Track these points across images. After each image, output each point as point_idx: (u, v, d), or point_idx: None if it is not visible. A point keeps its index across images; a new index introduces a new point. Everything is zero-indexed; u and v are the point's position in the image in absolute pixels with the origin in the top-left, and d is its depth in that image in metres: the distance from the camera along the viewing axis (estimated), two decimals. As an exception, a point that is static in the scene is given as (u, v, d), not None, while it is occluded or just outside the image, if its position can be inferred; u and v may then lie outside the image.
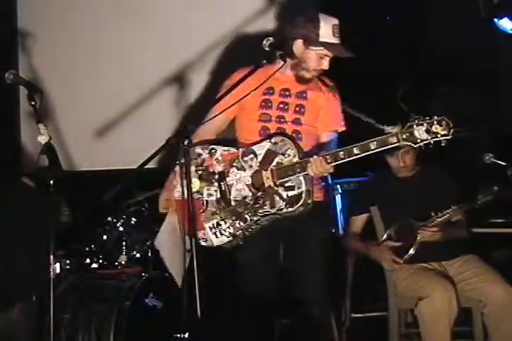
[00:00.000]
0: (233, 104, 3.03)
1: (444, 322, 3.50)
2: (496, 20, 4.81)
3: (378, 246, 3.78)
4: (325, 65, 3.14)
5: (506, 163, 3.82)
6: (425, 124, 2.69)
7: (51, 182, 2.78)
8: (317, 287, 3.15)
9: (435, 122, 2.68)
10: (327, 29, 3.10)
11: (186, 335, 3.44)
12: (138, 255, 4.05)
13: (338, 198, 4.53)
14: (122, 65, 4.83)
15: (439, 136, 2.67)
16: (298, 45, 3.13)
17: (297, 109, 3.18)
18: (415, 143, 2.73)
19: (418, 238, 3.65)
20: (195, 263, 2.55)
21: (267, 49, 3.02)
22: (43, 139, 2.81)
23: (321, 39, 3.09)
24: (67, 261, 3.92)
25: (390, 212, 3.82)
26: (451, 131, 2.66)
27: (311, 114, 3.20)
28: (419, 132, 2.70)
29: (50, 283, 2.78)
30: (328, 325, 3.61)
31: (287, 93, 3.19)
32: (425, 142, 2.71)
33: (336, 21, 3.14)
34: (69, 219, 4.01)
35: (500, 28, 4.82)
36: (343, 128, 3.28)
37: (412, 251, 3.67)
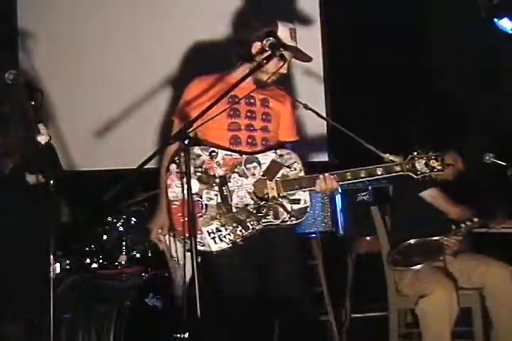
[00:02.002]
0: (203, 123, 2.86)
1: (444, 321, 3.51)
2: (495, 20, 4.81)
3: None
4: (284, 68, 3.12)
5: (506, 163, 3.83)
6: (424, 158, 3.02)
7: (51, 182, 2.78)
8: (295, 287, 3.14)
9: (432, 157, 3.02)
10: (285, 32, 3.13)
11: (186, 335, 3.45)
12: (138, 255, 4.05)
13: (338, 198, 4.53)
14: (122, 64, 4.83)
15: (435, 170, 3.02)
16: (257, 48, 3.13)
17: (264, 116, 3.20)
18: (416, 174, 3.03)
19: (446, 248, 3.71)
20: (194, 263, 2.55)
21: (266, 49, 3.02)
22: (43, 139, 2.81)
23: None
24: (67, 261, 3.92)
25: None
26: (445, 167, 3.03)
27: (275, 121, 3.24)
28: (420, 165, 3.02)
29: (50, 284, 2.78)
30: (317, 323, 3.61)
31: (252, 101, 3.19)
32: (423, 175, 3.02)
33: (292, 26, 3.18)
34: (69, 219, 4.02)
35: (500, 28, 4.82)
36: (296, 139, 3.34)
37: (418, 267, 3.70)
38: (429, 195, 3.86)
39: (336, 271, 4.45)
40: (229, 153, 3.09)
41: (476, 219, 3.68)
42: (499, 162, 3.85)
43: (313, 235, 4.36)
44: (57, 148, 3.48)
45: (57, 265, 3.78)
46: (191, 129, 2.72)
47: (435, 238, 3.71)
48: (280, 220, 3.03)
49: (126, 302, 3.56)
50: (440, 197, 3.86)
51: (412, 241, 3.75)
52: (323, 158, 4.69)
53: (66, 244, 3.84)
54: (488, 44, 4.98)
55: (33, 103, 2.86)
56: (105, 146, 4.72)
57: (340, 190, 4.42)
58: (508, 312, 3.60)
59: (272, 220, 3.03)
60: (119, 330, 3.48)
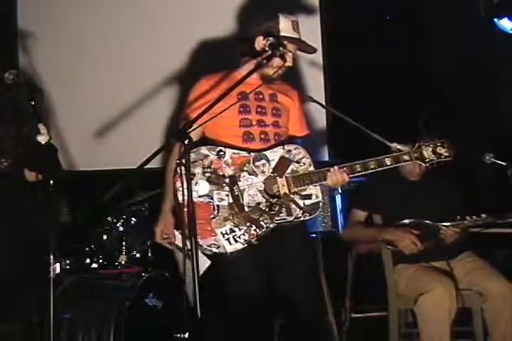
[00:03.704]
0: (211, 118, 2.86)
1: (443, 317, 3.50)
2: (495, 20, 4.81)
3: (398, 228, 3.76)
4: (288, 60, 3.11)
5: (506, 163, 3.83)
6: (431, 145, 3.07)
7: (51, 182, 2.78)
8: (306, 286, 3.12)
9: (439, 144, 3.06)
10: (287, 24, 3.13)
11: (186, 335, 3.45)
12: (138, 255, 4.05)
13: (338, 198, 4.52)
14: (122, 64, 4.83)
15: (442, 156, 3.07)
16: (260, 42, 3.12)
17: (274, 111, 3.19)
18: (424, 162, 3.07)
19: (440, 236, 3.70)
20: (194, 263, 2.54)
21: (266, 49, 3.02)
22: (43, 139, 2.81)
23: (282, 33, 3.11)
24: (67, 261, 3.92)
25: (397, 213, 3.82)
26: (452, 153, 3.05)
27: (285, 116, 3.23)
28: (427, 152, 3.07)
29: (50, 284, 2.78)
30: (322, 324, 3.60)
31: (261, 96, 3.18)
32: (432, 162, 3.07)
33: (295, 18, 3.17)
34: (69, 219, 4.02)
35: (500, 28, 4.83)
36: (307, 133, 3.35)
37: (428, 243, 3.70)
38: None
39: (336, 271, 4.43)
40: (236, 151, 3.07)
41: (483, 215, 3.68)
42: (499, 162, 3.85)
43: (313, 235, 4.35)
44: (57, 148, 3.48)
45: (57, 265, 3.78)
46: (192, 129, 2.71)
47: (435, 224, 3.71)
48: (293, 217, 3.02)
49: (126, 302, 3.56)
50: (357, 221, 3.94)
51: (406, 221, 3.76)
52: (324, 157, 4.70)
53: (66, 244, 3.84)
54: (488, 44, 4.98)
55: (33, 103, 2.85)
56: (105, 146, 4.72)
57: (340, 190, 4.45)
58: (504, 330, 3.57)
59: (285, 217, 3.01)
60: (119, 330, 3.48)
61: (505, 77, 5.05)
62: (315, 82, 4.71)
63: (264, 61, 2.99)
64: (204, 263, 3.11)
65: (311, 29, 4.72)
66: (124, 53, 4.83)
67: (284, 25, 3.12)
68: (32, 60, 4.76)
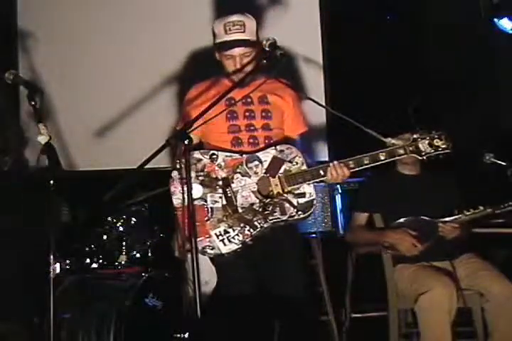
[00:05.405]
0: (201, 124, 2.88)
1: (443, 317, 3.49)
2: (496, 20, 4.82)
3: (397, 230, 3.73)
4: (234, 64, 3.11)
5: (506, 163, 3.83)
6: (428, 138, 3.01)
7: (51, 182, 2.78)
8: (295, 286, 3.13)
9: (436, 136, 3.01)
10: (219, 30, 3.13)
11: (186, 335, 3.45)
12: (138, 255, 4.05)
13: (338, 198, 4.53)
14: (122, 64, 4.83)
15: (439, 149, 3.02)
16: (215, 51, 3.18)
17: (263, 114, 3.19)
18: (420, 156, 3.03)
19: (439, 233, 3.67)
20: (194, 263, 2.54)
21: (267, 49, 3.01)
22: (42, 139, 2.81)
23: (216, 41, 3.14)
24: (67, 261, 3.91)
25: (397, 209, 3.82)
26: (450, 145, 3.00)
27: (277, 117, 3.23)
28: (423, 145, 3.02)
29: (50, 284, 2.78)
30: (320, 323, 3.61)
31: (249, 100, 3.18)
32: (429, 155, 3.02)
33: (231, 18, 3.11)
34: (69, 219, 4.01)
35: (500, 28, 4.83)
36: (304, 130, 3.33)
37: (428, 243, 3.67)
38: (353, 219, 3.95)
39: (336, 271, 4.44)
40: (229, 154, 3.09)
41: (481, 207, 3.67)
42: (499, 162, 3.85)
43: (313, 235, 4.35)
44: (57, 148, 3.48)
45: (57, 265, 3.78)
46: (191, 129, 2.72)
47: (433, 220, 3.70)
48: (288, 216, 3.03)
49: (126, 302, 3.56)
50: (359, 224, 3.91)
51: (402, 219, 3.75)
52: (324, 157, 4.70)
53: (66, 244, 3.84)
54: (488, 44, 4.98)
55: (33, 103, 2.85)
56: (105, 146, 4.72)
57: (340, 190, 4.45)
58: (504, 331, 3.57)
59: (279, 216, 3.03)
60: (119, 330, 3.48)
61: (505, 77, 5.05)
62: (315, 82, 4.71)
63: (264, 61, 2.98)
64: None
65: (311, 29, 4.74)
66: (124, 53, 4.83)
67: (218, 32, 3.13)
68: (32, 60, 4.76)
